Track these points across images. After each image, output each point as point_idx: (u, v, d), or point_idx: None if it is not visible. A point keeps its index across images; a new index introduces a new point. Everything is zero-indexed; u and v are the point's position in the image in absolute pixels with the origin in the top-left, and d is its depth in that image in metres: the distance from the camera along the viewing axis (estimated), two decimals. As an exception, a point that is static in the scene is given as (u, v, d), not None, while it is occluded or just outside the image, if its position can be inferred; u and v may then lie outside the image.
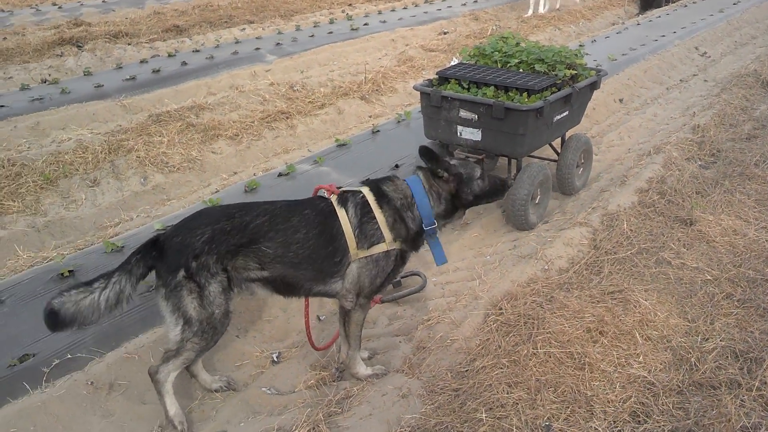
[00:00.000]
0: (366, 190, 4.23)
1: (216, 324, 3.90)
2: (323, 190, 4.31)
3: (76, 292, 3.70)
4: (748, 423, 3.70)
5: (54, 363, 4.58)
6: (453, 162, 4.40)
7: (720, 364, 4.26)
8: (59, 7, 17.66)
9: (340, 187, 4.31)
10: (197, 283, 3.79)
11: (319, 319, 5.41)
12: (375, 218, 4.13)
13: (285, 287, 4.17)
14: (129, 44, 13.86)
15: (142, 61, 12.60)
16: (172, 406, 4.03)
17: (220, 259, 3.84)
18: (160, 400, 4.02)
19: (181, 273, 3.77)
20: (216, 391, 4.48)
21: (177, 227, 3.96)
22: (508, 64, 6.94)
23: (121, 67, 12.19)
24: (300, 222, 4.03)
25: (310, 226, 4.04)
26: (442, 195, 4.34)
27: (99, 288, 3.73)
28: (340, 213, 4.10)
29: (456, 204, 4.42)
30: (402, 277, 5.61)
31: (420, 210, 4.24)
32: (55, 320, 3.65)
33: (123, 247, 5.95)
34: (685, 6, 18.40)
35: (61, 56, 12.77)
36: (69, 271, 5.58)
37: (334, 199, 4.18)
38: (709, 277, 5.18)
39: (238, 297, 4.07)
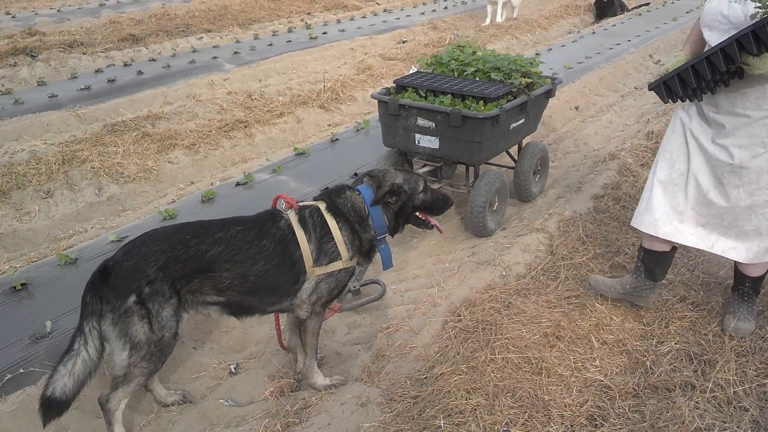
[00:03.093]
0: (323, 207, 4.21)
1: (164, 347, 3.82)
2: (282, 200, 4.25)
3: (63, 362, 3.69)
4: (702, 424, 3.77)
5: (6, 378, 4.50)
6: (398, 180, 4.39)
7: (675, 366, 4.33)
8: (13, 17, 17.38)
9: (300, 201, 4.29)
10: (148, 310, 3.70)
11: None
12: (333, 238, 4.13)
13: (241, 310, 4.14)
14: (84, 54, 13.64)
15: (97, 71, 12.42)
16: None
17: (174, 285, 3.76)
18: (108, 428, 3.89)
19: (132, 298, 3.66)
20: (171, 404, 4.39)
21: (127, 251, 3.81)
22: (465, 73, 6.98)
23: (76, 77, 12.03)
24: (258, 254, 3.96)
25: (268, 257, 3.99)
26: (390, 208, 4.39)
27: (82, 344, 3.71)
28: (299, 234, 4.06)
29: (400, 217, 4.47)
30: (361, 286, 5.61)
31: (374, 221, 4.29)
32: (56, 408, 3.68)
33: (77, 259, 5.86)
34: (640, 15, 18.73)
35: (14, 66, 12.53)
36: (21, 285, 5.48)
37: (293, 217, 4.13)
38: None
39: (189, 319, 4.00)
